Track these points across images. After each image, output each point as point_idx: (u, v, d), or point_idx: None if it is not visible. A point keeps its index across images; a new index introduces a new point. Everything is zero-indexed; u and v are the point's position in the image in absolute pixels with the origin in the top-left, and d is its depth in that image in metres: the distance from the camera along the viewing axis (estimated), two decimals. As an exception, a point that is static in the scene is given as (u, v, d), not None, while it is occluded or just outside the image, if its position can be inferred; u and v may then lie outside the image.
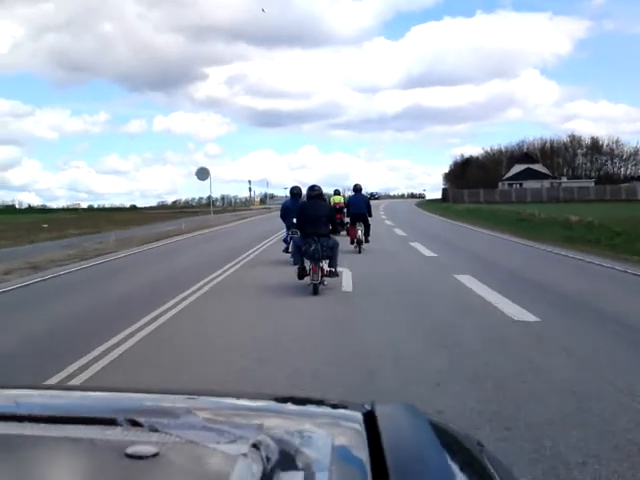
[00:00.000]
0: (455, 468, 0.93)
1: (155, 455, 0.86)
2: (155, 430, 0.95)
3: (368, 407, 1.10)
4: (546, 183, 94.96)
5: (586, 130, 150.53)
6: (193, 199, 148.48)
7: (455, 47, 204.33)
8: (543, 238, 20.43)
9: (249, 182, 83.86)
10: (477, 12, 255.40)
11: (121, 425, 0.97)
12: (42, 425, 0.98)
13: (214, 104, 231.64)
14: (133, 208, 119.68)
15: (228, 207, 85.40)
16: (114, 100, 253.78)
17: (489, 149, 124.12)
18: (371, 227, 17.88)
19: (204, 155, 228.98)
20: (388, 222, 34.58)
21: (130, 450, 0.86)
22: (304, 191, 12.65)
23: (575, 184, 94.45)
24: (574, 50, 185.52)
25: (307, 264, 10.59)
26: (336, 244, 10.79)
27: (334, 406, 1.23)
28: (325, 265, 10.55)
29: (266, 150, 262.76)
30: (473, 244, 20.23)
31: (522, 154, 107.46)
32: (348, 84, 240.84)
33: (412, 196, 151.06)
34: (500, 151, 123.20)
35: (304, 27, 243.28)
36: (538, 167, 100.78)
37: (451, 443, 1.08)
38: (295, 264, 11.19)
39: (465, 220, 33.81)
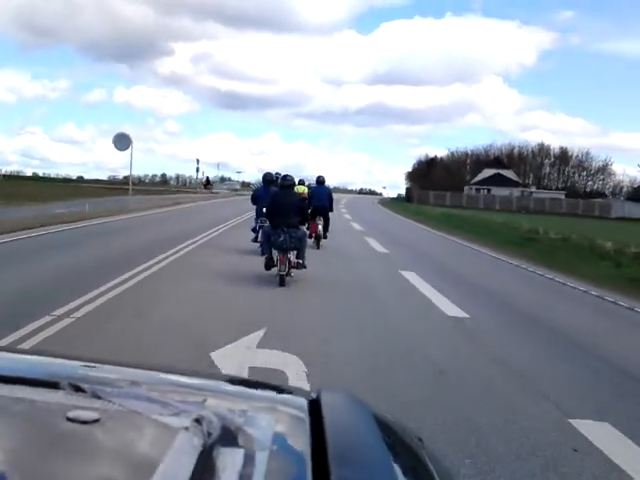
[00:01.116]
0: (394, 458, 0.93)
1: (96, 421, 0.85)
2: (98, 397, 0.94)
3: (314, 395, 1.10)
4: (516, 191, 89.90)
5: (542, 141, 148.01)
6: (146, 175, 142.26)
7: (422, 47, 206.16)
8: (585, 274, 14.25)
9: (197, 162, 73.93)
10: (447, 14, 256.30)
11: (63, 389, 0.96)
12: None
13: (178, 81, 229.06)
14: (77, 180, 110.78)
15: (173, 188, 77.86)
16: (77, 68, 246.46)
17: (455, 151, 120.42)
18: (330, 223, 17.32)
19: (163, 132, 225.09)
20: (356, 226, 28.17)
21: (71, 414, 0.86)
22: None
23: (546, 195, 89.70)
24: (538, 61, 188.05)
25: (275, 254, 10.38)
26: (305, 235, 11.00)
27: (280, 391, 1.22)
28: (293, 256, 10.46)
29: (227, 133, 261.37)
30: (507, 284, 12.91)
31: (492, 158, 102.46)
32: (315, 74, 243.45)
33: (370, 192, 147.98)
34: (466, 154, 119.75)
35: (276, 11, 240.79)
36: (508, 173, 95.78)
37: (392, 435, 1.08)
38: (263, 254, 10.85)
39: (452, 231, 27.46)
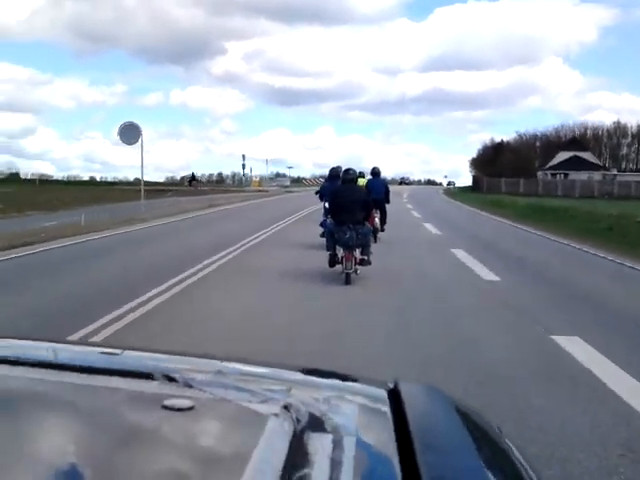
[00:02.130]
0: (476, 446, 0.92)
1: (190, 408, 0.89)
2: (190, 386, 0.99)
3: (391, 385, 1.12)
4: (596, 175, 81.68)
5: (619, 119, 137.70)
6: (203, 175, 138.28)
7: (478, 31, 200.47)
8: None
9: (243, 158, 67.22)
10: None
11: (157, 380, 1.01)
12: (82, 375, 1.03)
13: (232, 80, 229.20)
14: (131, 182, 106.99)
15: (229, 187, 72.45)
16: (132, 72, 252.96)
17: (523, 134, 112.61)
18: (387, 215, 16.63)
19: (219, 131, 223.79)
20: (430, 227, 21.97)
21: (167, 402, 0.90)
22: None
23: (630, 177, 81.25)
24: (599, 39, 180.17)
25: (339, 251, 10.15)
26: (370, 231, 10.69)
27: (358, 381, 1.24)
28: (358, 253, 10.16)
29: (282, 129, 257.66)
30: None
31: (567, 140, 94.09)
32: (368, 64, 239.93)
33: (429, 182, 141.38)
34: (535, 136, 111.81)
35: (327, 4, 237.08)
36: (586, 155, 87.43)
37: (472, 423, 1.05)
38: (328, 250, 10.42)
39: (570, 233, 20.51)
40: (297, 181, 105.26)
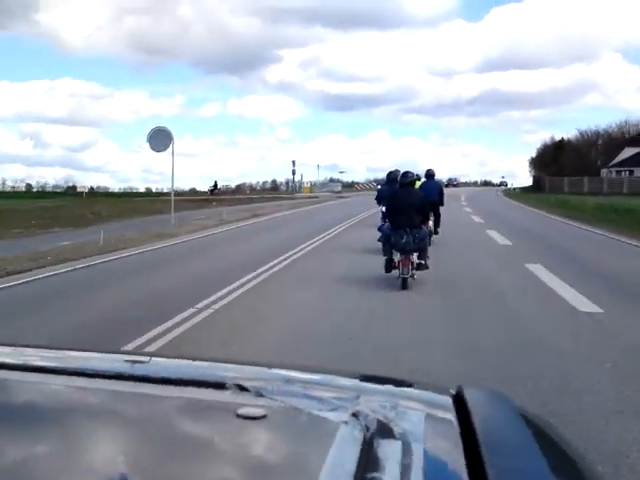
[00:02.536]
0: (543, 450, 0.91)
1: (263, 417, 0.91)
2: (261, 395, 1.01)
3: (453, 391, 1.12)
4: (666, 171, 76.97)
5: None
6: (257, 182, 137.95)
7: (535, 29, 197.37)
8: None
9: (293, 164, 63.62)
10: None
11: (230, 389, 1.03)
12: (154, 385, 1.06)
13: (287, 87, 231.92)
14: (186, 192, 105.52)
15: (266, 193, 70.35)
16: (190, 83, 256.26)
17: (584, 131, 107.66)
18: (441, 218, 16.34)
19: (275, 139, 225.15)
20: (494, 234, 19.33)
21: (241, 411, 0.92)
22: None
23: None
24: None
25: (396, 256, 9.94)
26: (427, 235, 10.58)
27: (422, 387, 1.25)
28: (415, 257, 9.99)
29: (337, 134, 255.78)
30: None
31: (631, 136, 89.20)
32: (423, 67, 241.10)
33: (486, 184, 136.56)
34: (597, 134, 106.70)
35: (382, 8, 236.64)
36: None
37: (539, 429, 1.06)
38: (385, 255, 10.32)
39: None
40: (349, 186, 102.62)
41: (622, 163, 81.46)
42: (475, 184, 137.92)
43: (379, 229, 12.87)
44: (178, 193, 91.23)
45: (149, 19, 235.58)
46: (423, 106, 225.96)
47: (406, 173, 10.57)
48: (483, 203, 43.72)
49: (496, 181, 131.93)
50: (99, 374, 1.11)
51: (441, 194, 15.97)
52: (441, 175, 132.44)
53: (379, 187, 17.71)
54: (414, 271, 9.97)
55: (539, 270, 11.67)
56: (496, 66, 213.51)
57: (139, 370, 1.21)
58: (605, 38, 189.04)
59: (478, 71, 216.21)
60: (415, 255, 9.99)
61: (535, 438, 0.95)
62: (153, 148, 21.06)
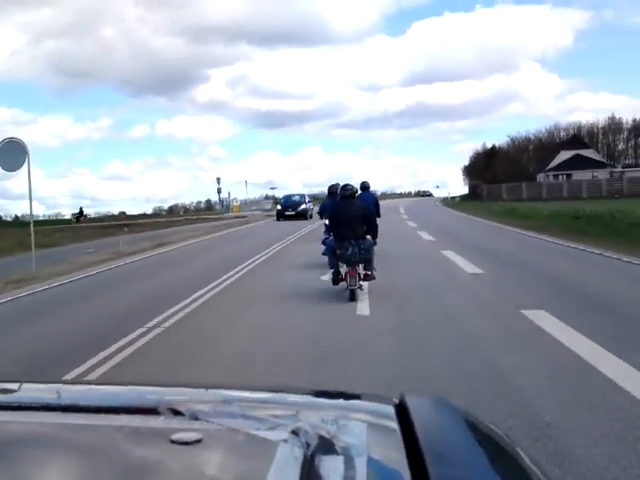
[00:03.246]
0: (488, 456, 0.92)
1: (199, 441, 0.89)
2: (196, 418, 0.98)
3: (397, 400, 1.11)
4: (601, 173, 75.47)
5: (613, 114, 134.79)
6: (192, 203, 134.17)
7: (456, 42, 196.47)
8: None
9: (217, 181, 57.78)
10: (477, 6, 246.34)
11: (163, 414, 1.00)
12: (86, 415, 1.03)
13: (217, 107, 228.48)
14: (113, 217, 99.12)
15: (197, 214, 65.29)
16: (116, 106, 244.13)
17: (515, 137, 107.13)
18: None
19: (207, 158, 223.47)
20: (454, 257, 15.27)
21: (174, 436, 0.89)
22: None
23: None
24: (574, 41, 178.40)
25: (342, 268, 10.03)
26: (372, 245, 10.48)
27: (364, 398, 1.24)
28: (361, 269, 10.10)
29: (270, 151, 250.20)
30: None
31: (569, 138, 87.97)
32: (351, 83, 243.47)
33: (421, 194, 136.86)
34: (528, 139, 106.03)
35: (305, 25, 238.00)
36: (589, 153, 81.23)
37: (482, 434, 1.06)
38: (331, 268, 10.53)
39: None
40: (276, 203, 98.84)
41: (559, 167, 79.94)
42: (409, 195, 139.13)
43: (323, 242, 12.58)
44: (114, 217, 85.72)
45: (69, 42, 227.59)
46: (353, 121, 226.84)
47: (345, 186, 10.57)
48: (425, 215, 40.18)
49: (431, 191, 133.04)
50: (27, 406, 1.06)
51: (377, 205, 15.70)
52: (376, 187, 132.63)
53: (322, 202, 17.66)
54: (361, 282, 10.06)
55: (546, 319, 7.73)
56: (421, 79, 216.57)
57: (68, 399, 1.18)
58: (523, 49, 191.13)
59: (404, 85, 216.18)
60: (361, 266, 10.08)
61: (479, 444, 0.94)
62: (4, 168, 16.27)
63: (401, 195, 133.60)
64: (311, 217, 37.09)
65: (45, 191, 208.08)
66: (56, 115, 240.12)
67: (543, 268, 13.00)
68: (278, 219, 40.28)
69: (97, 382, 3.99)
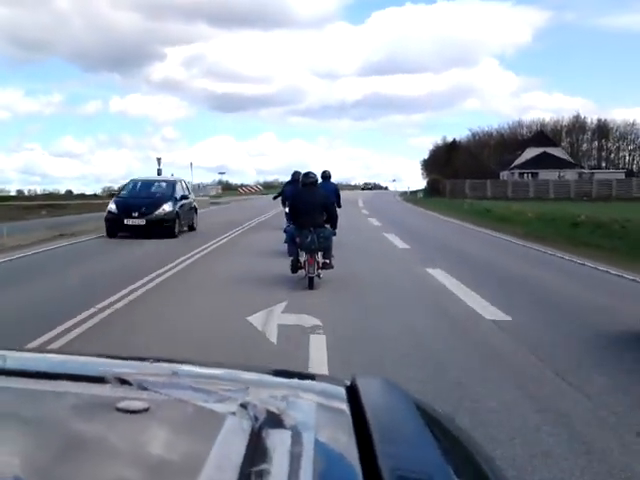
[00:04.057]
0: (434, 437, 0.93)
1: (146, 410, 0.88)
2: (144, 389, 0.97)
3: (348, 382, 1.11)
4: (570, 173, 72.04)
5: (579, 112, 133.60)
6: None
7: (416, 34, 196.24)
8: None
9: (158, 162, 50.04)
10: None
11: (110, 383, 0.98)
12: (27, 380, 1.00)
13: (172, 86, 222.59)
14: (62, 196, 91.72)
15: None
16: (69, 80, 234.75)
17: (476, 132, 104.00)
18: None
19: (161, 139, 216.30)
20: (444, 281, 10.19)
21: (121, 404, 0.88)
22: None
23: (612, 175, 72.06)
24: (533, 40, 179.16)
25: (301, 256, 10.07)
26: (332, 233, 10.48)
27: (315, 378, 1.26)
28: (320, 257, 10.05)
29: (225, 135, 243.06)
30: None
31: (535, 135, 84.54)
32: (308, 69, 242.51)
33: (374, 187, 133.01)
34: (490, 134, 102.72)
35: (266, 7, 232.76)
36: (558, 152, 77.88)
37: (429, 416, 1.07)
38: (290, 255, 10.56)
39: None
40: (231, 189, 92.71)
41: (524, 165, 76.22)
42: (364, 187, 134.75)
43: (285, 230, 12.27)
44: (61, 196, 78.60)
45: (22, 11, 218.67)
46: (309, 109, 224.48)
47: (308, 173, 10.63)
48: (388, 211, 35.53)
49: (384, 184, 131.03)
50: None
51: (337, 196, 15.29)
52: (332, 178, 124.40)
53: (284, 188, 17.29)
54: (320, 270, 10.05)
55: None
56: (378, 70, 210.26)
57: (12, 364, 1.15)
58: (482, 44, 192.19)
59: (361, 74, 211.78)
60: (320, 254, 10.07)
61: (427, 426, 0.95)
62: None
63: (354, 187, 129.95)
64: (179, 232, 19.27)
65: None
66: (6, 87, 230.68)
67: (589, 305, 8.33)
68: (110, 235, 18.82)
69: (41, 350, 3.93)
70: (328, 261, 10.16)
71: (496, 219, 26.65)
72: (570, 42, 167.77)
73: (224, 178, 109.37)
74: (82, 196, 74.93)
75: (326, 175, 15.82)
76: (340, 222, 11.23)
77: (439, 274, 11.21)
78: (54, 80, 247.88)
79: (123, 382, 0.98)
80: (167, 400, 0.93)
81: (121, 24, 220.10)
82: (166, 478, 0.75)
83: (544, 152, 75.53)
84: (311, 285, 9.68)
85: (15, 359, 1.23)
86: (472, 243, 17.95)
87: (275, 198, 17.92)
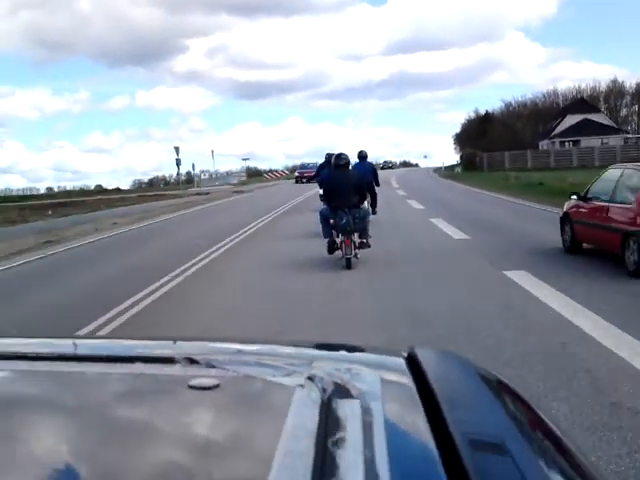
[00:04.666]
0: (499, 404, 0.94)
1: (217, 386, 0.90)
2: (212, 366, 0.99)
3: (405, 354, 1.11)
4: (614, 139, 67.64)
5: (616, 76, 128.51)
6: (171, 175, 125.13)
7: (438, 11, 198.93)
8: None
9: (176, 151, 46.13)
10: None
11: (179, 363, 1.00)
12: (104, 364, 1.04)
13: (196, 77, 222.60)
14: (91, 191, 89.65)
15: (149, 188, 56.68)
16: (94, 77, 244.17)
17: (510, 102, 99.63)
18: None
19: (188, 130, 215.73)
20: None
21: (192, 382, 0.90)
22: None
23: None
24: (558, 11, 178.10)
25: (337, 237, 10.07)
26: (367, 213, 10.63)
27: (374, 351, 1.25)
28: (356, 237, 10.07)
29: (252, 122, 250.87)
30: None
31: (576, 101, 80.00)
32: (331, 52, 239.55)
33: (405, 164, 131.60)
34: (524, 104, 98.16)
35: None
36: (599, 118, 73.33)
37: (496, 386, 1.08)
38: (325, 237, 10.46)
39: None
40: (257, 175, 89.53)
41: (564, 133, 71.92)
42: (395, 165, 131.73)
43: (320, 213, 11.57)
44: (105, 190, 76.06)
45: (45, 13, 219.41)
46: (335, 91, 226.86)
47: (340, 155, 10.48)
48: (428, 191, 32.18)
49: (415, 161, 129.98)
50: (47, 356, 1.07)
51: (375, 175, 15.71)
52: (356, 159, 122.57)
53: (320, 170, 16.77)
54: (357, 250, 9.99)
55: None
56: (403, 48, 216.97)
57: (86, 350, 1.19)
58: (507, 17, 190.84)
59: (386, 54, 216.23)
60: (356, 235, 10.03)
61: (491, 393, 0.98)
62: None
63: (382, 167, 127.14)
64: None
65: (26, 164, 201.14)
66: (34, 87, 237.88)
67: None
68: None
69: (111, 337, 3.91)
70: (365, 241, 10.21)
71: (554, 194, 23.23)
72: (596, 9, 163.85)
73: (251, 164, 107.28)
74: (105, 191, 72.81)
75: (363, 155, 16.02)
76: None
77: (538, 287, 7.97)
78: (80, 78, 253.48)
79: (192, 362, 0.99)
80: (236, 376, 0.95)
81: (142, 20, 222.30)
82: (244, 450, 0.77)
83: (585, 119, 71.08)
84: (349, 265, 9.73)
85: (88, 345, 1.29)
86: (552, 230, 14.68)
87: (309, 181, 16.96)
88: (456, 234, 13.63)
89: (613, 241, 8.81)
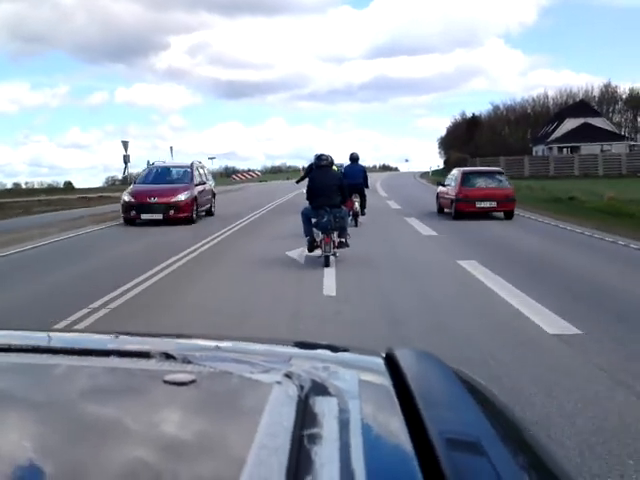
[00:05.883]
0: (475, 403, 0.93)
1: (192, 382, 0.89)
2: (189, 362, 0.98)
3: (383, 354, 1.12)
4: (618, 147, 61.87)
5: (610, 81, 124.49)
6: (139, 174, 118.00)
7: (420, 16, 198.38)
8: None
9: (124, 147, 39.31)
10: None
11: (155, 357, 0.99)
12: (78, 357, 1.03)
13: (177, 75, 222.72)
14: (60, 189, 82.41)
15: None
16: (74, 72, 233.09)
17: (498, 105, 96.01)
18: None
19: (168, 127, 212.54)
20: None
21: (168, 377, 0.89)
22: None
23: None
24: (538, 18, 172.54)
25: (317, 235, 10.35)
26: (347, 214, 10.96)
27: (353, 351, 1.25)
28: (336, 236, 10.38)
29: (233, 122, 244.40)
30: None
31: (575, 104, 74.31)
32: (313, 54, 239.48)
33: (385, 168, 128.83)
34: (513, 108, 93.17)
35: None
36: (600, 122, 67.58)
37: (473, 386, 1.07)
38: (306, 235, 10.74)
39: None
40: (226, 176, 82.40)
41: (563, 138, 66.07)
42: (374, 168, 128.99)
43: (302, 212, 12.08)
44: (57, 189, 69.43)
45: (24, 5, 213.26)
46: (316, 93, 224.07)
47: (320, 156, 10.81)
48: (422, 203, 25.74)
49: (394, 165, 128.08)
50: (19, 348, 1.06)
51: (365, 177, 16.11)
52: (341, 160, 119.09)
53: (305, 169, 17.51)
54: (335, 249, 10.26)
55: None
56: (384, 52, 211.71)
57: (60, 343, 1.18)
58: (487, 24, 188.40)
59: (367, 57, 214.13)
60: (336, 234, 10.30)
61: (468, 391, 0.97)
62: None
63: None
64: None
65: (2, 159, 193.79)
66: (12, 81, 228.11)
67: None
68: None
69: (87, 330, 4.00)
70: (344, 240, 10.50)
71: (597, 212, 16.95)
72: (576, 18, 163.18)
73: (231, 164, 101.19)
74: (57, 190, 66.19)
75: (354, 157, 16.55)
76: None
77: None
78: (58, 73, 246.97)
79: (168, 357, 0.98)
80: (212, 372, 0.94)
81: (123, 15, 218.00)
82: (220, 446, 0.77)
83: (584, 123, 65.44)
84: (327, 263, 9.95)
85: (63, 339, 1.28)
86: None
87: (298, 182, 17.70)
88: (485, 279, 7.31)
89: None
